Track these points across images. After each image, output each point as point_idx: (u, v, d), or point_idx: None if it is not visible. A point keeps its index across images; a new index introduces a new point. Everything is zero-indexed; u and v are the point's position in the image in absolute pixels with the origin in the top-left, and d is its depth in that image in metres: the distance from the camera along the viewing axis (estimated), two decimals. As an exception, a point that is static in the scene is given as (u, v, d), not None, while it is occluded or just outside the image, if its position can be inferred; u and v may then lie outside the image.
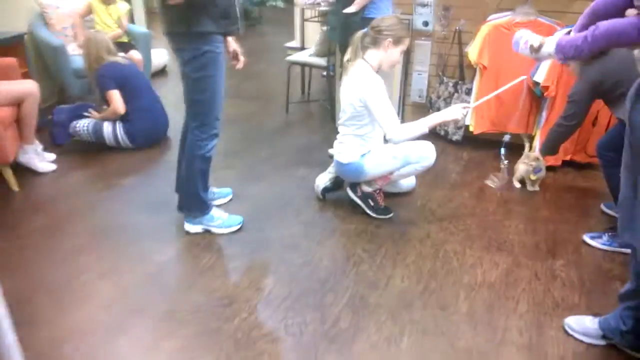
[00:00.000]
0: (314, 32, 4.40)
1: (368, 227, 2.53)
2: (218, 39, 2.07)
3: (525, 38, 1.41)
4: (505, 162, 2.91)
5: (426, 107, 3.63)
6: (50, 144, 3.32)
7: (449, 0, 3.34)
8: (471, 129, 3.38)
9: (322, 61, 3.97)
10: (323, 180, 2.76)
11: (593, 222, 2.57)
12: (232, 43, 2.34)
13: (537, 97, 3.14)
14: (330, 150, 3.33)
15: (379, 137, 2.54)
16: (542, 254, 2.31)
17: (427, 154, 2.48)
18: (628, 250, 2.25)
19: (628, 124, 1.33)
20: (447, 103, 3.47)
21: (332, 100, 3.84)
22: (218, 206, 2.60)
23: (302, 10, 4.61)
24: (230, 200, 2.74)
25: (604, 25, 1.21)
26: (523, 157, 2.93)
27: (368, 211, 2.61)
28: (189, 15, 1.96)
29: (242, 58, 2.41)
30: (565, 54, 1.27)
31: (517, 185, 2.93)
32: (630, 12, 1.19)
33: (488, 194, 2.86)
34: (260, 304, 1.98)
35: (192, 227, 2.42)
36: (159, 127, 3.44)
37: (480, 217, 2.61)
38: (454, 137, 3.51)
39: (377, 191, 2.58)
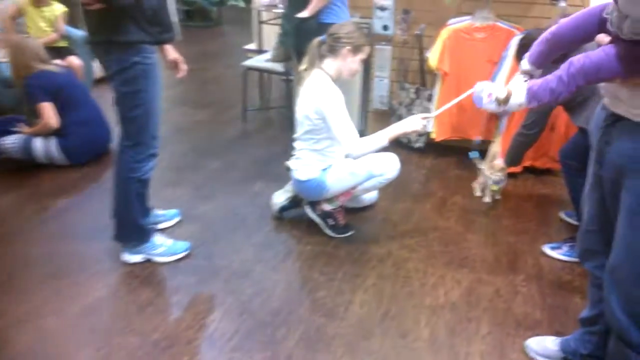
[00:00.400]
0: (273, 35, 4.20)
1: (326, 247, 2.36)
2: (148, 49, 1.85)
3: (488, 90, 1.22)
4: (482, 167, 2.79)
5: (388, 114, 3.50)
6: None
7: (409, 4, 3.21)
8: (433, 135, 3.28)
9: (279, 67, 3.78)
10: (280, 198, 2.57)
11: (552, 230, 2.51)
12: (170, 51, 2.12)
13: (498, 103, 3.05)
14: (289, 163, 3.15)
15: (340, 150, 2.38)
16: (503, 268, 2.21)
17: (390, 166, 2.34)
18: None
19: (597, 157, 1.20)
20: (409, 110, 3.34)
21: (292, 107, 3.65)
22: (164, 230, 2.39)
23: (259, 12, 4.41)
24: (178, 222, 2.52)
25: (578, 61, 1.07)
26: (486, 165, 2.83)
27: (327, 231, 2.44)
28: (113, 22, 1.74)
29: (183, 67, 2.20)
30: (540, 100, 1.12)
31: (479, 193, 2.82)
32: (601, 38, 1.05)
33: (450, 205, 2.75)
34: (203, 344, 1.78)
35: (131, 257, 2.20)
36: (98, 141, 3.17)
37: (442, 231, 2.49)
38: (417, 145, 3.40)
39: (338, 209, 2.42)
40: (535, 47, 1.24)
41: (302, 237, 2.44)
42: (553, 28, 1.18)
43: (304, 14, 2.70)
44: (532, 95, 1.14)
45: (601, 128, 1.16)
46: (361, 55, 2.27)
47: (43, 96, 2.88)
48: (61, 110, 2.95)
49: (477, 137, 3.13)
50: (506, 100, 1.17)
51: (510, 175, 2.89)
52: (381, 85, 3.48)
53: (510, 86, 1.18)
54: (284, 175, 2.86)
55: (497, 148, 3.09)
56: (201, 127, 3.84)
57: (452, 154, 3.30)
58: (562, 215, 2.59)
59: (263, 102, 4.45)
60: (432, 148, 3.34)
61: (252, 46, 5.32)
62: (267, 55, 3.94)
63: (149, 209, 2.30)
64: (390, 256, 2.29)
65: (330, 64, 2.28)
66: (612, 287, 1.16)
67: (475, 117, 3.08)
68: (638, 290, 1.09)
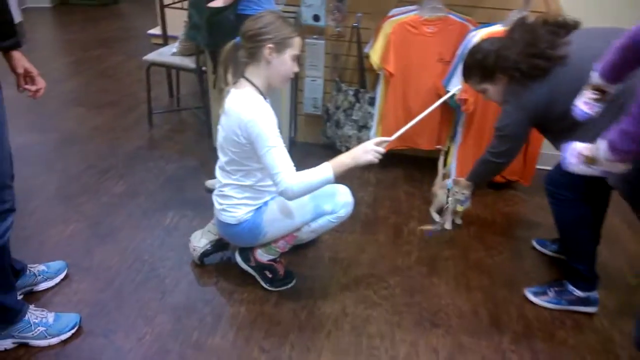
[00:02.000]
0: (180, 19, 3.52)
1: (264, 306, 1.86)
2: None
3: (574, 150, 0.90)
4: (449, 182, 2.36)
5: (322, 119, 3.02)
6: None
7: (343, -10, 2.71)
8: (377, 145, 2.84)
9: (189, 62, 3.14)
10: (202, 242, 2.01)
11: (529, 265, 2.15)
12: (20, 60, 1.49)
13: (449, 108, 2.67)
14: (209, 182, 2.58)
15: None
16: (485, 325, 1.82)
17: (343, 199, 1.84)
18: (579, 308, 1.86)
19: None
20: (348, 115, 2.88)
21: (208, 109, 3.06)
22: (44, 292, 1.81)
23: (161, -7, 3.69)
24: (64, 279, 1.90)
25: None
26: (441, 180, 2.46)
27: (264, 284, 1.94)
28: None
29: (40, 82, 1.56)
30: (621, 149, 0.76)
31: (437, 217, 2.44)
32: None
33: (406, 235, 2.33)
34: None
35: (-4, 345, 1.57)
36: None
37: (404, 273, 2.07)
38: (357, 154, 2.95)
39: (279, 259, 1.91)
40: (608, 56, 0.92)
41: (233, 292, 1.92)
42: (629, 33, 0.81)
43: (218, 3, 2.11)
44: (612, 144, 0.80)
45: None
46: (291, 51, 1.68)
47: None
48: None
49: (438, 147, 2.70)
50: (594, 158, 0.83)
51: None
52: (314, 87, 2.98)
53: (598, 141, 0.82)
54: (203, 201, 2.29)
55: (451, 159, 2.74)
56: (99, 135, 3.12)
57: (399, 165, 2.90)
58: (535, 244, 2.25)
59: (172, 102, 3.77)
60: (375, 158, 2.91)
61: (156, 30, 4.57)
62: (174, 48, 3.26)
63: (18, 273, 1.69)
64: (346, 316, 1.83)
65: (254, 72, 1.72)
66: None
67: (426, 125, 2.67)
68: None
